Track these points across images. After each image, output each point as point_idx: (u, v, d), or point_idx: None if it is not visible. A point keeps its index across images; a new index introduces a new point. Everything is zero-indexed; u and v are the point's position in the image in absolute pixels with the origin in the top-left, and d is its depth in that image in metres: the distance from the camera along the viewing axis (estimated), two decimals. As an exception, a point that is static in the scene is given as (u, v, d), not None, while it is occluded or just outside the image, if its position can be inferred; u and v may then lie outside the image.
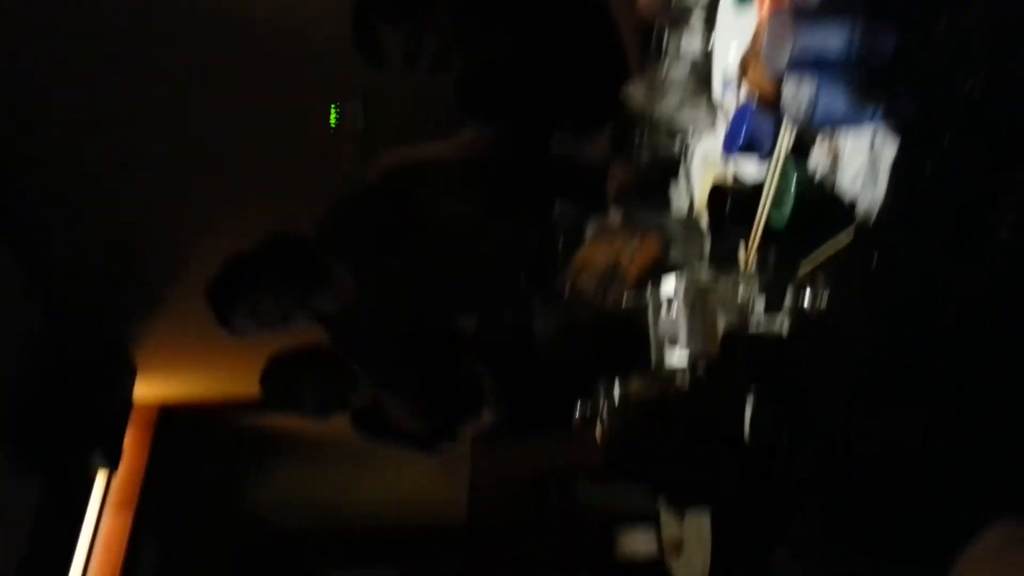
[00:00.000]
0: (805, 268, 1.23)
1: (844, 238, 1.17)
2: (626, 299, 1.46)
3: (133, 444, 3.82)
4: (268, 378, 2.41)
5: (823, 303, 1.20)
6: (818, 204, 1.18)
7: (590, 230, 1.48)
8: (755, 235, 1.29)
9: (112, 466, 3.54)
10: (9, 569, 3.19)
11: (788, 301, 1.25)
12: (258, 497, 4.41)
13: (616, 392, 1.53)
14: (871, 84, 1.03)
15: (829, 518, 1.74)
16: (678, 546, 1.87)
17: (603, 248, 1.47)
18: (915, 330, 1.14)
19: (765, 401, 1.34)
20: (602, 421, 1.57)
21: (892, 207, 1.10)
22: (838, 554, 1.78)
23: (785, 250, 1.27)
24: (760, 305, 1.30)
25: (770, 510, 1.52)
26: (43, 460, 3.34)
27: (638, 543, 2.39)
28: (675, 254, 1.49)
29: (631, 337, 1.52)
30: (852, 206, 1.15)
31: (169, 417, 4.00)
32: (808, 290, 1.22)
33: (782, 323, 1.29)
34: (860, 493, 1.62)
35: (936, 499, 1.44)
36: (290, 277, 2.23)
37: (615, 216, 1.48)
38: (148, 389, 3.86)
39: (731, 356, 1.27)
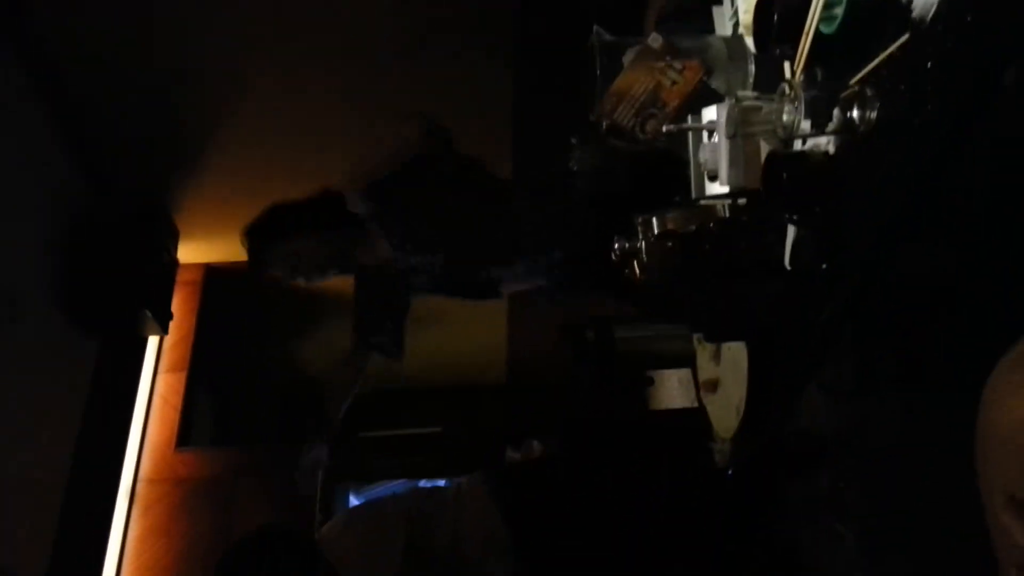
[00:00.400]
0: (854, 84, 1.18)
1: (895, 48, 1.11)
2: (666, 129, 1.42)
3: (181, 306, 3.93)
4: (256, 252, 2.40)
5: (872, 120, 1.15)
6: (870, 10, 1.12)
7: (628, 57, 1.42)
8: (802, 51, 1.23)
9: (163, 327, 3.64)
10: (71, 432, 3.36)
11: (835, 120, 1.20)
12: (304, 355, 4.54)
13: (655, 226, 1.52)
14: None
15: (864, 353, 1.74)
16: (714, 386, 1.89)
17: (642, 76, 1.42)
18: (965, 144, 1.09)
19: (808, 226, 1.31)
20: (640, 257, 1.56)
21: (950, 10, 1.03)
22: (872, 390, 1.79)
23: (834, 65, 1.21)
24: (806, 128, 1.25)
25: (807, 343, 1.52)
26: (96, 323, 3.45)
27: (674, 384, 2.43)
28: (717, 81, 1.43)
29: (670, 168, 1.49)
30: (907, 11, 1.08)
31: (215, 278, 4.09)
32: (856, 107, 1.17)
33: (828, 144, 1.25)
34: (896, 324, 1.61)
35: (970, 334, 1.43)
36: (334, 230, 2.26)
37: (654, 42, 1.42)
38: (192, 251, 3.93)
39: (774, 180, 1.24)
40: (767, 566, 2.07)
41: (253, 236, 2.32)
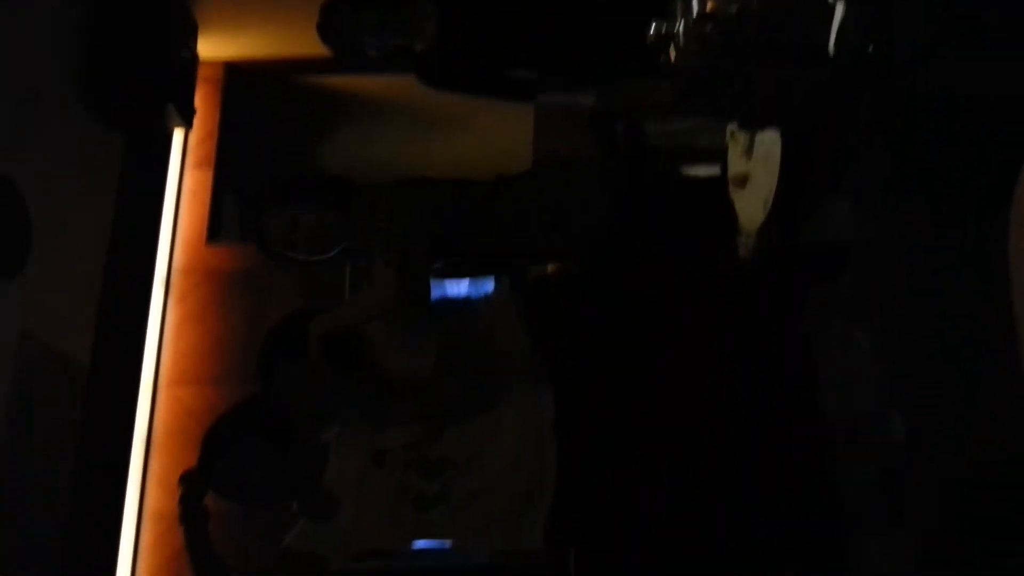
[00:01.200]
0: None
1: None
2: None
3: (204, 102, 3.89)
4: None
5: None
6: None
7: None
8: None
9: (186, 122, 3.64)
10: (106, 222, 3.44)
11: None
12: (327, 156, 4.54)
13: (694, 6, 1.46)
14: None
15: (899, 156, 1.72)
16: (743, 181, 1.89)
17: None
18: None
19: (855, 7, 1.27)
20: (677, 40, 1.51)
21: None
22: (904, 196, 1.78)
23: None
24: None
25: (846, 133, 1.50)
26: (120, 115, 3.45)
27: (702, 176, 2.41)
28: None
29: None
30: None
31: (236, 75, 4.03)
32: None
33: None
34: (932, 131, 1.58)
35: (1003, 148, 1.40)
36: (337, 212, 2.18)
37: None
38: (212, 46, 3.85)
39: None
40: (782, 365, 2.10)
41: (255, 200, 2.28)
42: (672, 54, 1.56)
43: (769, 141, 1.71)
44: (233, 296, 3.74)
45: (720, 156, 1.98)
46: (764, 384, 1.95)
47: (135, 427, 3.52)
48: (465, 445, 1.85)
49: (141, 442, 3.55)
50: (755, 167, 1.81)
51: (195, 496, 1.91)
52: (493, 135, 4.22)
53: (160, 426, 3.60)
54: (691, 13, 1.47)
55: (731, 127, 1.86)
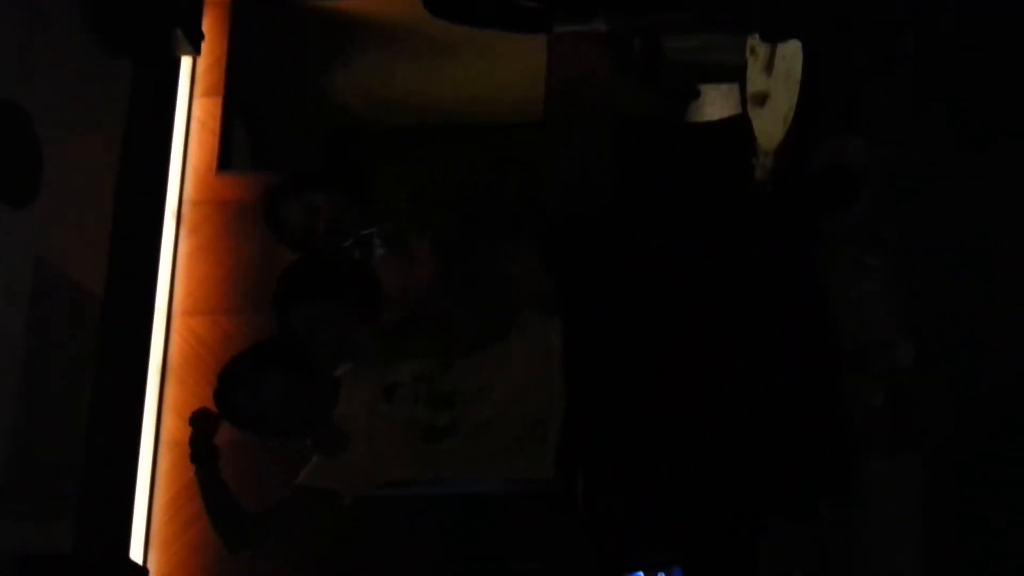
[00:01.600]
0: None
1: None
2: None
3: (212, 28, 3.83)
4: None
5: None
6: None
7: None
8: None
9: (194, 48, 3.57)
10: (115, 150, 3.40)
11: None
12: (339, 83, 4.47)
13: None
14: None
15: (923, 77, 1.66)
16: (762, 99, 1.84)
17: None
18: None
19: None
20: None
21: None
22: (919, 122, 1.72)
23: None
24: None
25: (872, 42, 1.44)
26: (126, 41, 3.39)
27: (720, 100, 2.36)
28: None
29: None
30: None
31: (244, 1, 3.94)
32: None
33: None
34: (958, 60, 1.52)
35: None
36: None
37: None
38: (217, -31, 3.77)
39: None
40: (795, 293, 2.07)
41: (270, 192, 2.23)
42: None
43: (790, 57, 1.65)
44: (245, 226, 3.72)
45: (739, 73, 1.92)
46: (777, 312, 1.92)
47: (150, 357, 3.55)
48: (474, 376, 1.86)
49: (156, 371, 3.58)
50: (775, 83, 1.75)
51: (206, 436, 1.94)
52: (507, 62, 4.14)
53: (174, 356, 3.63)
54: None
55: (751, 41, 1.79)
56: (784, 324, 1.90)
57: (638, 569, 2.18)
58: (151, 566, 3.35)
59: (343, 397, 1.91)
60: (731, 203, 2.01)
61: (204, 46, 3.71)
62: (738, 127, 1.87)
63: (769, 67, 1.78)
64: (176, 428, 3.51)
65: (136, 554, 3.36)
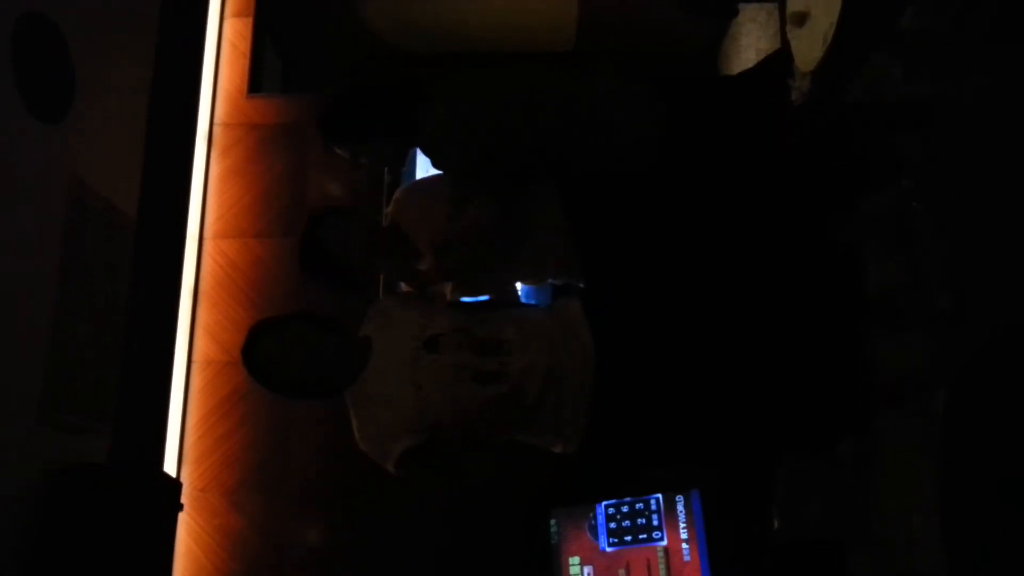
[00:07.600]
0: None
1: None
2: None
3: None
4: None
5: None
6: None
7: None
8: None
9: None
10: (145, 73, 3.39)
11: None
12: (370, 12, 4.42)
13: None
14: None
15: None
16: (801, 19, 1.79)
17: None
18: None
19: None
20: None
21: None
22: (963, 52, 1.67)
23: None
24: None
25: None
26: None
27: (760, 21, 2.30)
28: None
29: None
30: None
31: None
32: None
33: None
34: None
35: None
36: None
37: None
38: None
39: None
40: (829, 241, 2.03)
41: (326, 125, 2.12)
42: None
43: (832, -28, 1.60)
44: (276, 149, 3.73)
45: (778, -6, 1.87)
46: (810, 259, 1.91)
47: (182, 278, 3.60)
48: (510, 327, 1.87)
49: (188, 293, 3.63)
50: (815, 2, 1.71)
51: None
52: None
53: (206, 278, 3.68)
54: None
55: (792, -43, 1.74)
56: (813, 266, 1.88)
57: (657, 491, 2.21)
58: (184, 480, 3.45)
59: (376, 352, 1.91)
60: (768, 147, 1.96)
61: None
62: (775, 63, 1.82)
63: (810, -14, 1.74)
64: (208, 347, 3.59)
65: (170, 468, 3.46)
